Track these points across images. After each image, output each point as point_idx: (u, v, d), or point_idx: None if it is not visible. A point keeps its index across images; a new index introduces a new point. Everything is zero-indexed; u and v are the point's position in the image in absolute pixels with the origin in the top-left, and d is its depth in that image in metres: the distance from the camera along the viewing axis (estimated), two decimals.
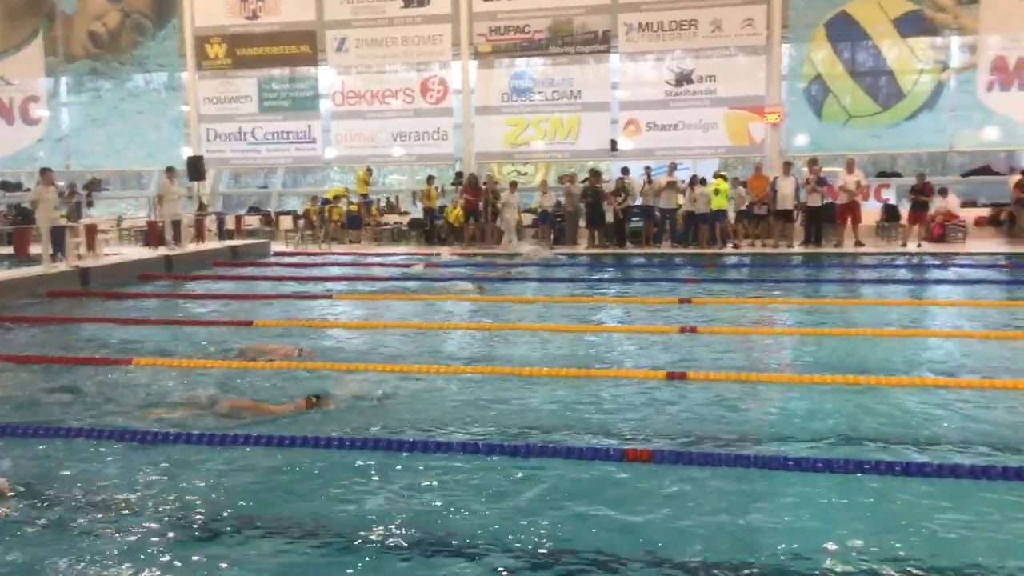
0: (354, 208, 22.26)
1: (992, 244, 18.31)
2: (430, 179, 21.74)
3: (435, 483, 4.92)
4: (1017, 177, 19.08)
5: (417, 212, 22.42)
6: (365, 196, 22.63)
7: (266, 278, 15.32)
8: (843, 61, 21.09)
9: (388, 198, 24.11)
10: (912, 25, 20.60)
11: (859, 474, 4.89)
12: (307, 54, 24.18)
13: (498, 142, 23.23)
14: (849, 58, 21.09)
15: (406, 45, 23.49)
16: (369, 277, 15.44)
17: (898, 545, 4.04)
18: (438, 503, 4.64)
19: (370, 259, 18.41)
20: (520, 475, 5.04)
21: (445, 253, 19.04)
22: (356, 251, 20.27)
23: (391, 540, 4.18)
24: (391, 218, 23.08)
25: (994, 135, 20.45)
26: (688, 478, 4.93)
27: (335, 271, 16.47)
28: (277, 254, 19.91)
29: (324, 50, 23.95)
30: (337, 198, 22.20)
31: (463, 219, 20.75)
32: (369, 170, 22.93)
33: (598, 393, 6.86)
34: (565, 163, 23.30)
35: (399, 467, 5.17)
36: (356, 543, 4.17)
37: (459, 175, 22.30)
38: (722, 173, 20.15)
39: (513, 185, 20.26)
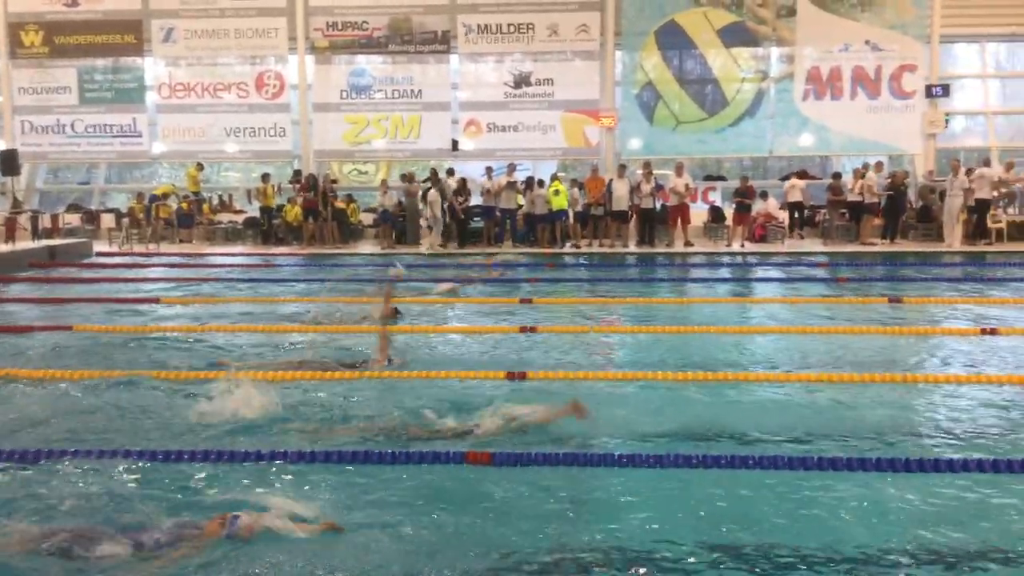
0: (184, 206, 21.29)
1: (809, 244, 19.55)
2: (265, 176, 21.08)
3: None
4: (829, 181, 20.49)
5: (253, 211, 21.69)
6: (197, 193, 21.66)
7: (91, 280, 14.40)
8: (672, 69, 21.98)
9: (221, 196, 23.20)
10: (735, 36, 21.73)
11: (690, 468, 5.07)
12: (132, 44, 22.94)
13: (338, 140, 22.81)
14: (678, 66, 22.00)
15: (239, 38, 22.69)
16: (200, 278, 14.79)
17: (731, 536, 4.21)
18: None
19: (210, 259, 17.67)
20: (363, 481, 4.96)
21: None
22: (187, 251, 19.39)
23: None
24: (225, 217, 22.23)
25: (809, 141, 21.87)
26: (527, 480, 4.98)
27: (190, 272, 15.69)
28: (100, 254, 18.78)
29: (150, 40, 22.79)
30: (166, 195, 21.17)
31: (302, 218, 20.25)
32: (200, 166, 21.99)
33: (439, 394, 6.83)
34: (407, 162, 23.15)
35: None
36: None
37: (297, 173, 21.74)
38: (560, 175, 20.57)
39: (435, 181, 19.88)
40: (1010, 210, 19.62)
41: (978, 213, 18.53)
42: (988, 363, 7.94)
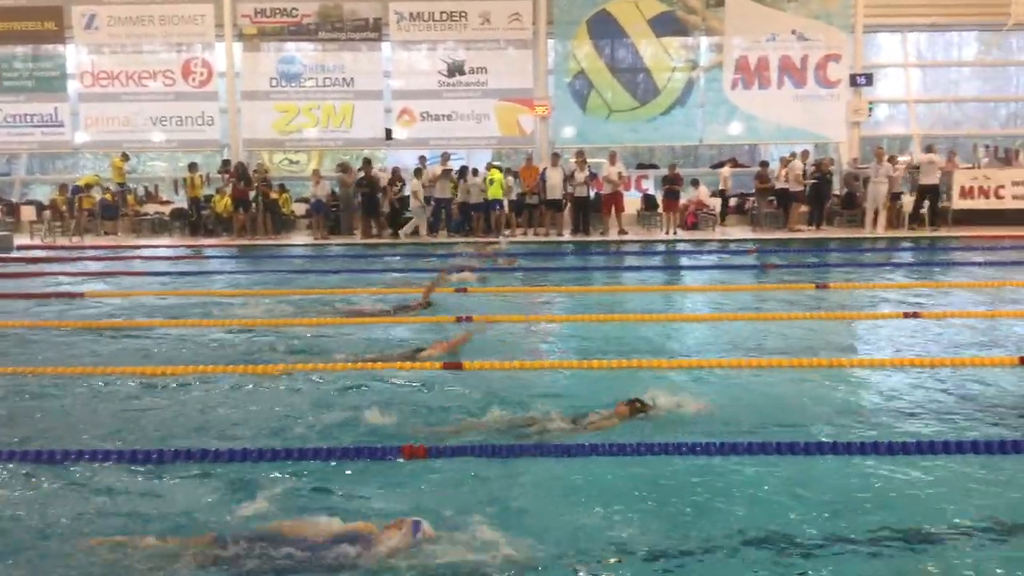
0: (109, 197, 20.72)
1: (739, 231, 19.91)
2: (192, 166, 20.63)
3: None
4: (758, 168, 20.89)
5: (181, 202, 21.21)
6: (121, 184, 21.10)
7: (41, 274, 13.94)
8: (604, 58, 22.12)
9: (147, 187, 22.63)
10: (665, 25, 21.95)
11: (633, 456, 5.14)
12: (52, 31, 22.22)
13: (268, 129, 22.42)
14: (610, 55, 22.15)
15: (164, 24, 22.14)
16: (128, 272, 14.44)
17: (644, 523, 4.27)
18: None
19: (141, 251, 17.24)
20: (275, 475, 4.92)
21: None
22: (113, 244, 18.89)
23: None
24: (151, 208, 21.69)
25: (739, 130, 22.25)
26: (464, 470, 4.99)
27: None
28: (21, 247, 18.19)
29: (71, 27, 22.08)
30: (89, 186, 20.57)
31: (232, 209, 19.88)
32: (125, 156, 21.42)
33: (368, 386, 6.78)
34: (340, 151, 22.88)
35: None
36: None
37: (226, 163, 21.33)
38: (496, 164, 20.58)
39: (418, 172, 19.60)
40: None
41: (928, 199, 19.03)
42: (911, 346, 8.18)
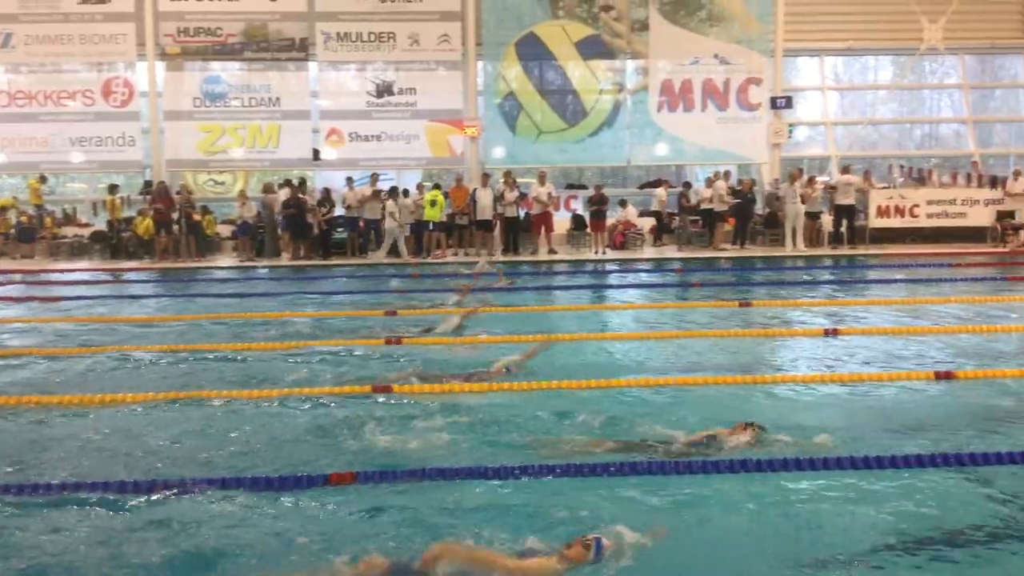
0: (25, 220, 20.08)
1: (668, 251, 20.20)
2: (113, 188, 20.14)
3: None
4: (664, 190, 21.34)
5: (101, 224, 20.65)
6: (39, 207, 20.45)
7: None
8: (533, 79, 22.33)
9: (66, 209, 21.97)
10: (592, 48, 22.27)
11: (534, 478, 5.14)
12: None
13: (191, 149, 22.00)
14: (538, 77, 22.37)
15: (85, 43, 21.61)
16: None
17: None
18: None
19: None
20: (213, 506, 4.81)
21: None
22: (30, 268, 18.30)
23: None
24: (70, 231, 21.06)
25: (665, 151, 22.64)
26: (392, 495, 4.94)
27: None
28: None
29: None
30: (5, 209, 19.95)
31: (154, 231, 19.43)
32: (43, 178, 20.79)
33: (298, 414, 6.68)
34: (267, 172, 22.58)
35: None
36: None
37: (148, 184, 20.86)
38: (429, 184, 20.58)
39: (393, 192, 19.48)
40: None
41: (846, 218, 19.58)
42: (830, 362, 8.39)
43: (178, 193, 19.85)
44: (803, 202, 19.33)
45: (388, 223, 19.12)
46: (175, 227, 19.44)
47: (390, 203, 19.12)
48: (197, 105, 21.92)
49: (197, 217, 19.87)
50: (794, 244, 19.35)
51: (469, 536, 4.32)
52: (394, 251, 19.30)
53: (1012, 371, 7.71)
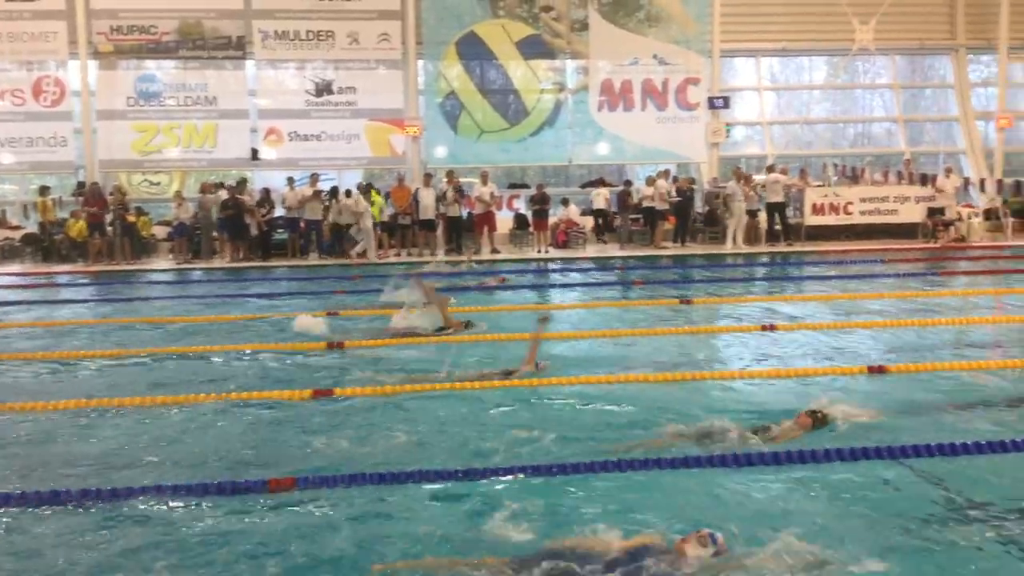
0: None
1: (610, 249, 20.36)
2: (44, 189, 19.62)
3: None
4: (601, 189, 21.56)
5: (32, 226, 20.09)
6: None
7: None
8: (474, 79, 22.32)
9: None
10: (532, 48, 22.35)
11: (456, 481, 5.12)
12: None
13: (126, 149, 21.52)
14: (479, 76, 22.36)
15: (13, 42, 21.03)
16: None
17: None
18: None
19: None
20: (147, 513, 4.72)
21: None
22: None
23: None
24: (0, 233, 20.44)
25: (606, 150, 22.82)
26: (334, 501, 4.90)
27: None
28: None
29: None
30: None
31: (87, 233, 18.96)
32: None
33: (237, 420, 6.58)
34: (205, 172, 22.18)
35: None
36: None
37: (81, 185, 20.35)
38: (370, 184, 20.41)
39: (368, 191, 19.21)
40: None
41: (778, 215, 19.93)
42: (767, 357, 8.52)
43: (111, 194, 19.42)
44: (748, 201, 19.67)
45: (365, 222, 18.96)
46: (109, 229, 19.01)
47: (364, 203, 18.98)
48: (131, 104, 21.46)
49: (132, 218, 19.47)
50: (734, 242, 19.65)
51: (427, 537, 4.33)
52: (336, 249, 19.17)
53: (943, 364, 7.93)
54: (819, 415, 5.93)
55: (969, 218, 20.84)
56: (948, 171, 21.07)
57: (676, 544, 3.92)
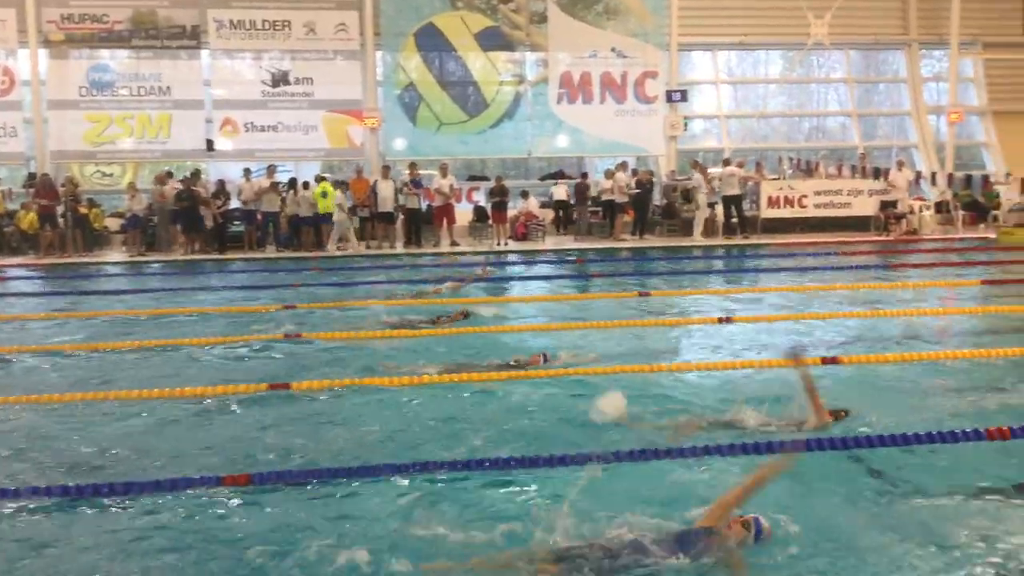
0: None
1: (570, 241, 20.43)
2: None
3: None
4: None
5: None
6: None
7: None
8: (433, 70, 22.21)
9: None
10: (491, 40, 22.30)
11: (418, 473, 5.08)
12: None
13: (77, 140, 21.10)
14: (438, 68, 22.26)
15: None
16: None
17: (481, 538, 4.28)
18: None
19: None
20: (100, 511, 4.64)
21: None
22: None
23: None
24: None
25: (565, 143, 22.87)
26: (289, 497, 4.85)
27: None
28: None
29: None
30: None
31: (38, 225, 18.59)
32: None
33: (188, 413, 6.49)
34: (159, 163, 21.82)
35: None
36: None
37: (32, 176, 19.92)
38: (325, 176, 20.21)
39: (344, 185, 19.16)
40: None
41: (734, 208, 20.10)
42: (723, 349, 8.61)
43: (63, 186, 19.05)
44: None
45: (337, 215, 18.86)
46: (60, 221, 18.65)
47: (338, 194, 18.85)
48: (83, 94, 21.05)
49: (84, 210, 19.12)
50: (694, 234, 19.82)
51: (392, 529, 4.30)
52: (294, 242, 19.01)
53: (894, 356, 8.06)
54: (842, 413, 5.95)
55: (920, 211, 21.20)
56: (900, 165, 21.45)
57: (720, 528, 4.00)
